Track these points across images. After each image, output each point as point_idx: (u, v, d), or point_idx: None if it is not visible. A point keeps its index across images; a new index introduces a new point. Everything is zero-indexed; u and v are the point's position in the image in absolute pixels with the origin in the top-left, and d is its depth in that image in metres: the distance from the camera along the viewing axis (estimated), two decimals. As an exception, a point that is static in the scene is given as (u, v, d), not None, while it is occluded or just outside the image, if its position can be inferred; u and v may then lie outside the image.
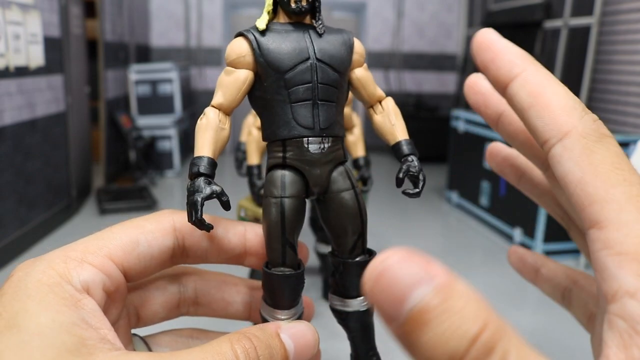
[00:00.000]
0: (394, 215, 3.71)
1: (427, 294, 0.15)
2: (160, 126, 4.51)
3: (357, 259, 0.35)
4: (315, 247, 2.24)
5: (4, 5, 2.49)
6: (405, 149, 0.37)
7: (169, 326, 0.32)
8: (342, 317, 0.35)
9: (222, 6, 5.56)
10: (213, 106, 0.33)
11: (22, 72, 2.69)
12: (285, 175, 0.33)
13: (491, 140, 3.42)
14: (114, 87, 4.30)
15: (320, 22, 0.35)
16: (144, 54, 5.30)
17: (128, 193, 3.70)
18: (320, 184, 0.34)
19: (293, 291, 0.33)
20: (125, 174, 4.36)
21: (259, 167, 1.86)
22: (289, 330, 0.26)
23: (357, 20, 5.83)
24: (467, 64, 5.60)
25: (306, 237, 2.72)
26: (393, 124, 0.37)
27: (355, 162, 2.11)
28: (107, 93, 4.10)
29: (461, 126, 3.86)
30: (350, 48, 0.35)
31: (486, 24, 5.03)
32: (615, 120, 3.39)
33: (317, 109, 0.33)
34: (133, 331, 0.30)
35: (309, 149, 0.33)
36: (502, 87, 0.24)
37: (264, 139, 0.35)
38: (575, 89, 3.67)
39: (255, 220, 1.80)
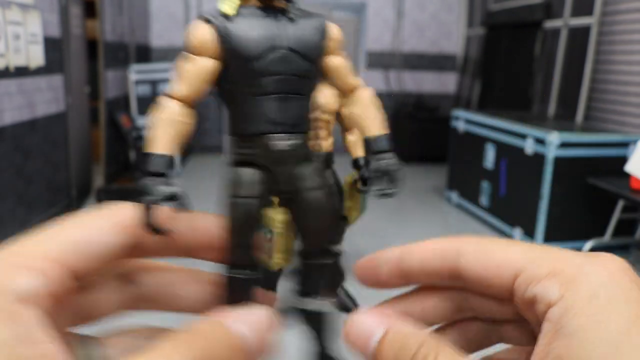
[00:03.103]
0: (393, 215, 3.71)
1: (379, 337, 0.23)
2: (160, 126, 4.50)
3: (324, 260, 0.34)
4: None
5: (4, 5, 2.49)
6: (380, 144, 0.35)
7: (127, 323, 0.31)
8: (305, 316, 0.34)
9: (222, 6, 5.56)
10: (173, 96, 0.30)
11: (22, 72, 2.69)
12: (249, 174, 0.31)
13: (491, 140, 3.42)
14: (114, 87, 4.30)
15: (293, 4, 0.32)
16: (144, 54, 5.30)
17: (128, 193, 3.70)
18: (287, 182, 0.32)
19: (248, 293, 0.31)
20: (125, 174, 4.35)
21: (259, 167, 1.86)
22: (240, 319, 0.25)
23: (357, 20, 5.83)
24: (467, 64, 5.60)
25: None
26: (368, 116, 0.35)
27: (355, 162, 2.11)
28: (107, 93, 4.09)
29: (461, 126, 3.85)
30: (323, 34, 0.33)
31: (486, 24, 5.03)
32: (615, 120, 3.39)
33: (285, 102, 0.31)
34: (86, 332, 0.28)
35: (276, 145, 0.31)
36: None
37: (229, 134, 0.33)
38: (575, 89, 3.66)
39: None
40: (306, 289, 0.33)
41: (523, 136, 3.07)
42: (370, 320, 0.23)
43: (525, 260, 0.22)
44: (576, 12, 3.73)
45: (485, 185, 3.52)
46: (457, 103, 5.67)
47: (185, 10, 5.50)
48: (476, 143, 3.62)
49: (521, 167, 3.10)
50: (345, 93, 0.35)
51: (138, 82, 4.50)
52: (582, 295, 0.20)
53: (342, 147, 2.16)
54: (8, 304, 0.21)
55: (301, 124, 0.32)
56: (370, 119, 0.35)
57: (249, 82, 0.30)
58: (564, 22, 3.83)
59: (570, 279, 0.20)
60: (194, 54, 0.30)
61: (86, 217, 0.27)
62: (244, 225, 0.30)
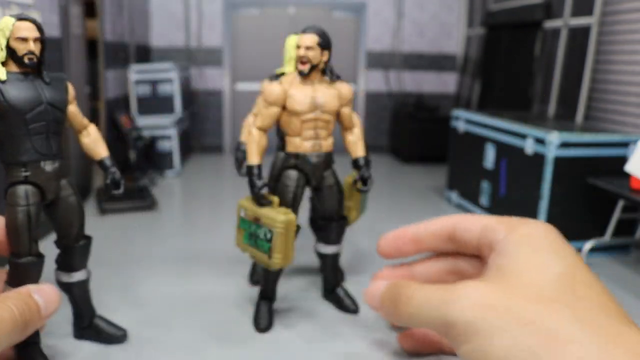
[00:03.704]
0: (394, 215, 3.71)
1: (382, 291, 0.34)
2: (160, 126, 4.50)
3: (80, 243, 0.55)
4: (315, 247, 2.23)
5: (4, 5, 2.49)
6: (106, 163, 0.57)
7: None
8: (68, 287, 0.51)
9: (222, 6, 5.56)
10: None
11: (22, 72, 2.69)
12: (28, 189, 0.52)
13: (491, 140, 3.43)
14: (114, 87, 4.29)
15: (44, 72, 0.52)
16: (144, 54, 5.30)
17: (128, 193, 3.70)
18: (54, 192, 0.52)
19: (38, 274, 0.48)
20: (125, 174, 4.36)
21: (259, 167, 1.86)
22: (38, 291, 0.32)
23: (357, 20, 5.83)
24: (467, 64, 5.60)
25: (306, 237, 2.72)
26: (97, 144, 0.55)
27: (355, 162, 2.11)
28: (107, 93, 4.09)
29: (461, 126, 3.86)
30: (66, 90, 0.52)
31: (486, 24, 5.04)
32: (615, 120, 3.39)
33: (49, 139, 0.50)
34: None
35: (45, 169, 0.52)
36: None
37: (5, 161, 0.48)
38: (575, 89, 3.67)
39: (255, 219, 1.80)
40: (70, 266, 0.49)
41: (523, 136, 3.07)
42: (376, 284, 0.34)
43: (489, 220, 0.32)
44: (576, 12, 3.73)
45: (485, 185, 3.52)
46: (457, 103, 5.67)
47: (185, 10, 5.50)
48: (476, 143, 3.62)
49: (521, 167, 3.11)
50: (79, 130, 0.56)
51: (138, 82, 4.50)
52: (519, 233, 0.30)
53: (342, 147, 2.16)
54: None
55: (59, 153, 0.52)
56: (99, 146, 0.56)
57: (24, 127, 0.49)
58: (564, 22, 3.83)
59: (513, 227, 0.31)
60: None
61: None
62: (27, 225, 0.50)
